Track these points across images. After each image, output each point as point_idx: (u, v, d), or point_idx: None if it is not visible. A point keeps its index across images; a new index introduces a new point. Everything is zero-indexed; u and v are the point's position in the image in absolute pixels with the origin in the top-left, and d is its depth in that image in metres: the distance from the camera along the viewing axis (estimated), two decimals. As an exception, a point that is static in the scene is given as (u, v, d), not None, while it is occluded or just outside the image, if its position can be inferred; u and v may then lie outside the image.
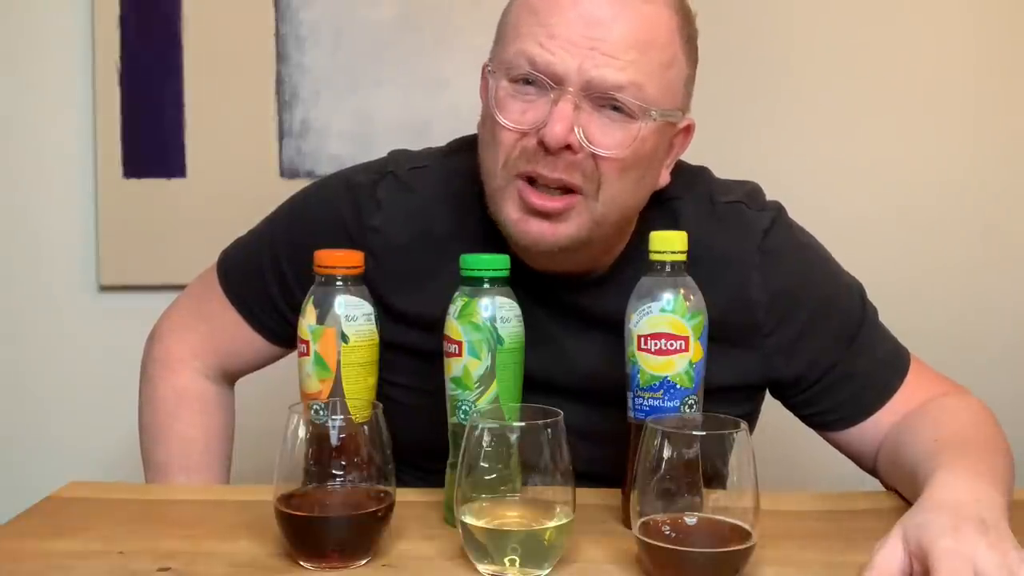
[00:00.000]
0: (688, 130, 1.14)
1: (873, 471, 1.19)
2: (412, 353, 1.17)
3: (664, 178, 1.14)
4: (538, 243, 1.07)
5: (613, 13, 1.03)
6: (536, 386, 1.04)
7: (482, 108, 1.13)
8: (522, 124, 1.05)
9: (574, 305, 1.16)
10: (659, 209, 1.16)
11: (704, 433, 0.87)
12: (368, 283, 1.07)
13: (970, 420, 1.12)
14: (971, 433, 1.08)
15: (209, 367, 1.30)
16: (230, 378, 1.34)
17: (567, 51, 1.02)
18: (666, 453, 0.87)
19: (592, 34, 1.02)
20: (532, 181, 1.06)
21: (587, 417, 1.10)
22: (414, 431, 1.09)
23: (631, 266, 1.11)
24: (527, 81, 1.05)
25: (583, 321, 1.16)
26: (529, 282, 1.11)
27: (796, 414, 1.23)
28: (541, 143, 1.03)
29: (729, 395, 1.14)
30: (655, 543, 0.86)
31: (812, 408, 1.20)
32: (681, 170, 1.18)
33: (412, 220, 1.19)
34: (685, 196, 1.18)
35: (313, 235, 1.18)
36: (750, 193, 1.21)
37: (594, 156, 1.04)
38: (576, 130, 1.02)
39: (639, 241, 1.11)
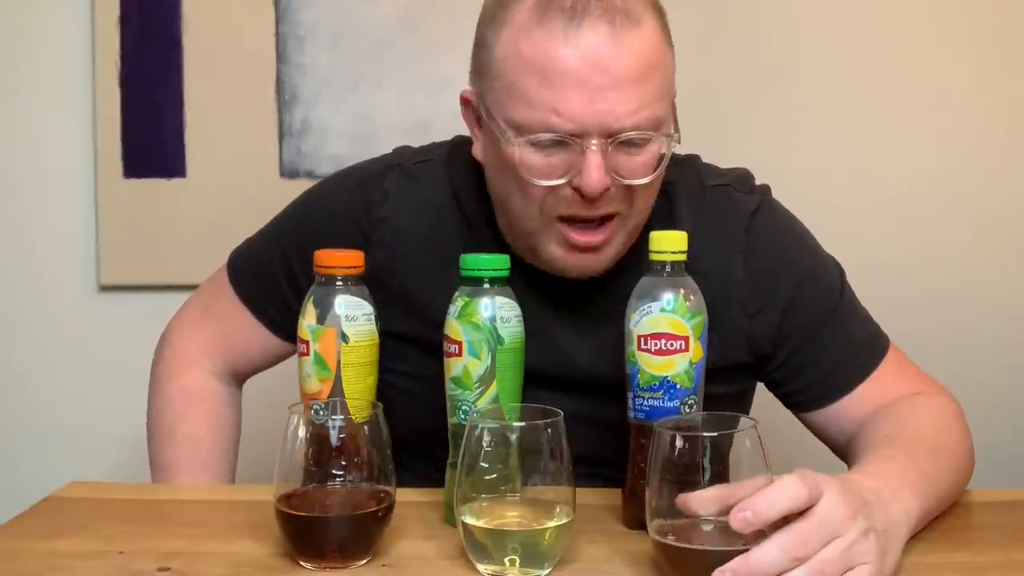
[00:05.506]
0: None
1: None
2: (416, 342, 1.18)
3: None
4: (584, 273, 1.12)
5: (613, 53, 1.02)
6: (530, 378, 1.05)
7: (480, 145, 1.13)
8: (552, 178, 1.05)
9: (570, 299, 1.18)
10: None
11: (717, 434, 0.86)
12: (378, 272, 1.08)
13: (933, 425, 1.11)
14: (929, 435, 1.08)
15: (218, 366, 1.31)
16: (239, 378, 1.35)
17: (584, 110, 1.02)
18: (678, 454, 0.86)
19: (601, 83, 1.02)
20: (570, 220, 1.08)
21: (582, 406, 1.12)
22: (418, 418, 1.11)
23: (628, 262, 1.14)
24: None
25: (578, 315, 1.18)
26: (526, 275, 1.13)
27: (773, 392, 1.25)
28: (577, 190, 1.05)
29: (724, 373, 1.15)
30: (672, 544, 0.85)
31: (787, 387, 1.22)
32: (674, 157, 1.20)
33: (418, 211, 1.21)
34: (678, 181, 1.20)
35: (323, 231, 1.20)
36: (739, 177, 1.23)
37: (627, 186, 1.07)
38: (609, 173, 1.04)
39: (637, 237, 1.15)
